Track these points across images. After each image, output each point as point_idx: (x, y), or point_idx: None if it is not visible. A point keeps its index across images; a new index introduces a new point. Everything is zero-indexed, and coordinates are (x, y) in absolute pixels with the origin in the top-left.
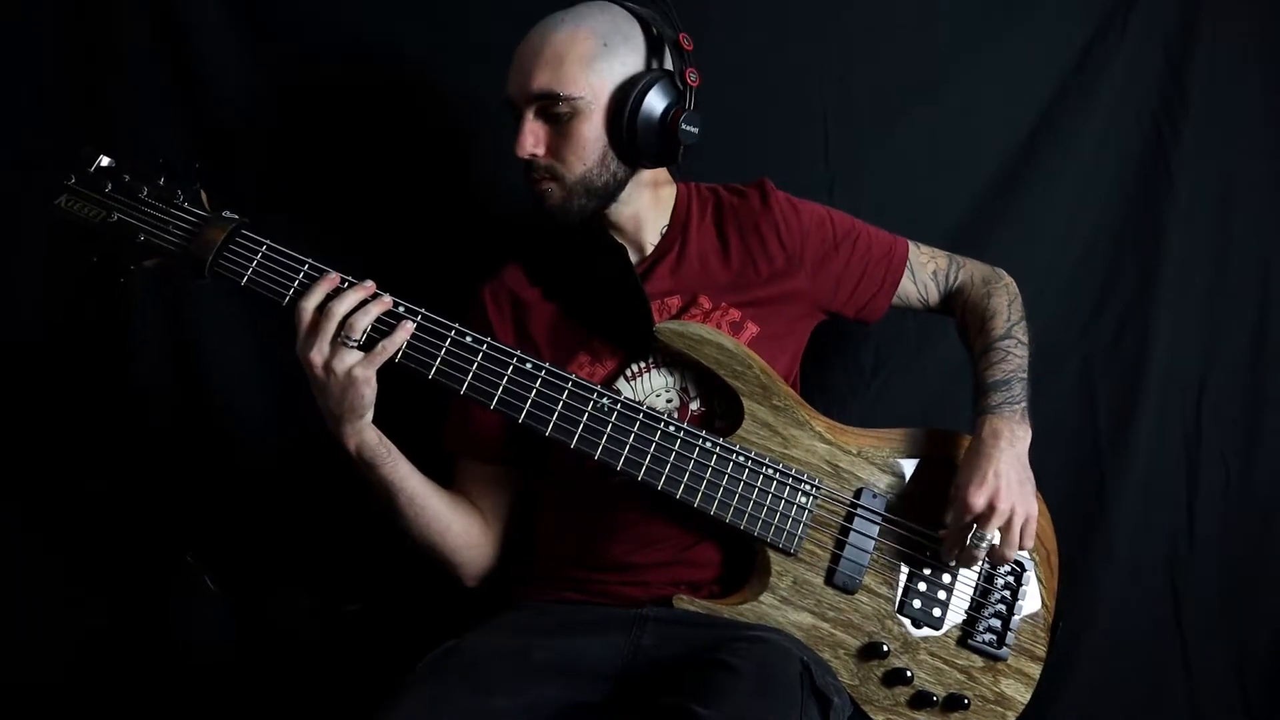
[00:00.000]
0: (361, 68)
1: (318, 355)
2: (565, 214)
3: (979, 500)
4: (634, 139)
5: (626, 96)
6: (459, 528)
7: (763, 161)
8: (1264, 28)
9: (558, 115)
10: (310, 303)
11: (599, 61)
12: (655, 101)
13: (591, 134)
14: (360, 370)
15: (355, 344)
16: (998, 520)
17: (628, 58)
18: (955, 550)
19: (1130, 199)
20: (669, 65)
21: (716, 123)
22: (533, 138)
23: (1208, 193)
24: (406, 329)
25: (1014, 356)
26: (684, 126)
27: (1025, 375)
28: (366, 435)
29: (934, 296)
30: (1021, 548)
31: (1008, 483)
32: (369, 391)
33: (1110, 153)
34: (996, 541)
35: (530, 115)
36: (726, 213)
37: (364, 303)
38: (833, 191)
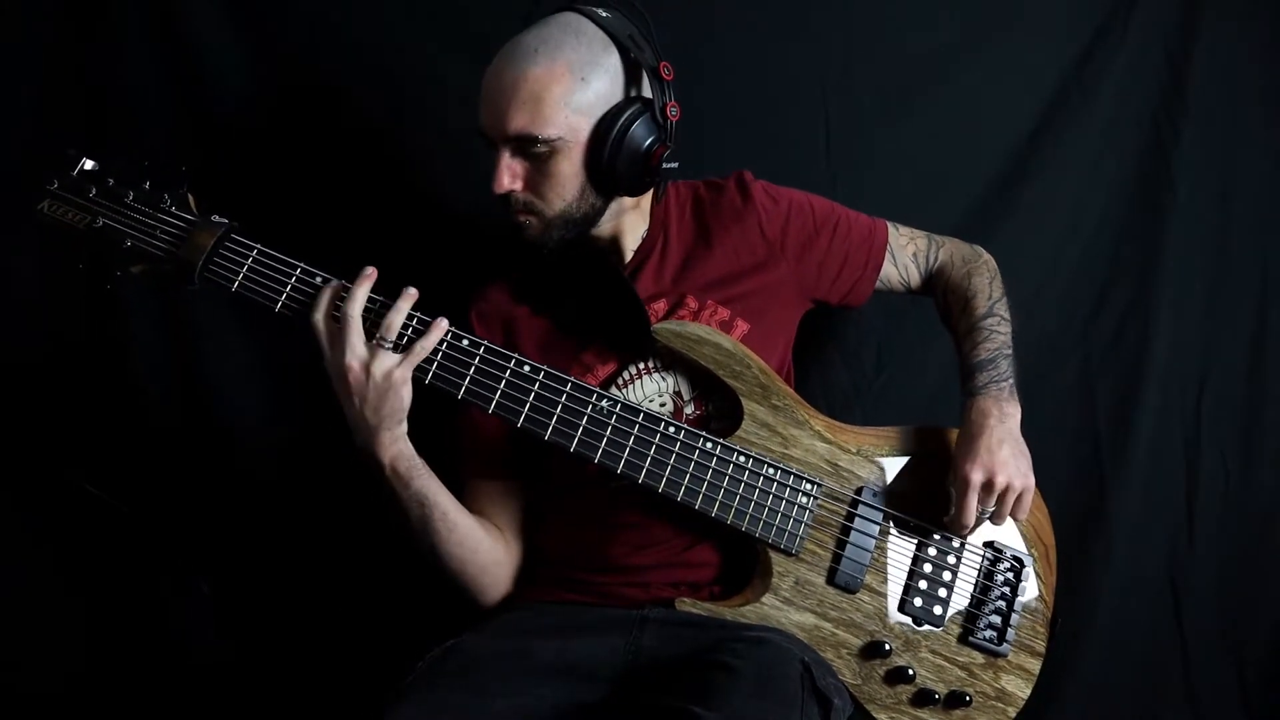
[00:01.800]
0: (354, 71)
1: (355, 360)
2: (544, 245)
3: (976, 476)
4: (614, 175)
5: (607, 134)
6: (487, 545)
7: (764, 160)
8: (1264, 28)
9: (536, 154)
10: (319, 313)
11: (576, 97)
12: (636, 138)
13: (570, 170)
14: (400, 371)
15: (390, 345)
16: (993, 495)
17: (605, 90)
18: (961, 528)
19: (1130, 199)
20: (646, 91)
21: (717, 121)
22: (509, 174)
23: (1208, 193)
24: (441, 326)
25: (997, 334)
26: (665, 165)
27: (1010, 352)
28: (403, 446)
29: (915, 279)
30: (1016, 517)
31: (1001, 457)
32: (407, 394)
33: (1110, 153)
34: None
35: (507, 153)
36: (706, 208)
37: (381, 300)
38: (834, 189)
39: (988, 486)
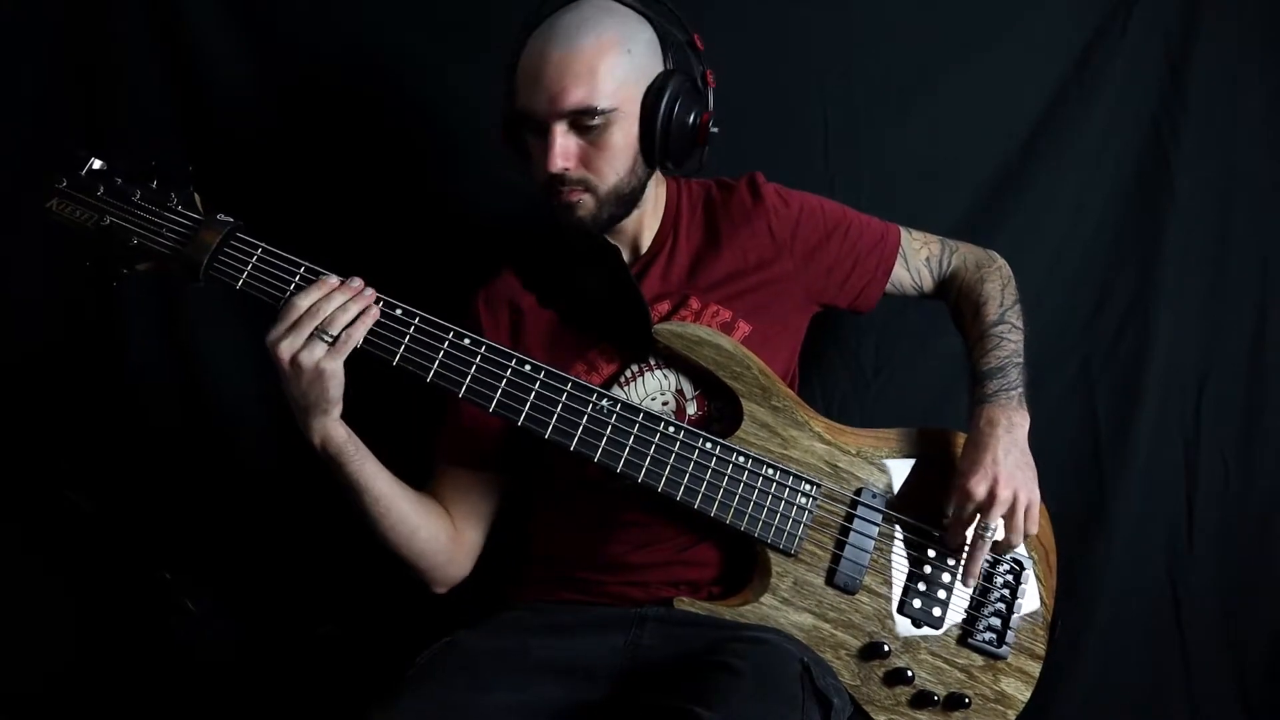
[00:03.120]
0: (357, 70)
1: (287, 349)
2: (595, 224)
3: (980, 489)
4: (666, 144)
5: (658, 102)
6: (426, 532)
7: (763, 160)
8: (1264, 28)
9: (590, 127)
10: (305, 301)
11: (626, 69)
12: (686, 105)
13: (624, 141)
14: (327, 363)
15: (330, 339)
16: (1000, 509)
17: (647, 61)
18: (959, 542)
19: (1130, 199)
20: (673, 63)
21: (717, 121)
22: (564, 152)
23: (1208, 193)
24: (371, 315)
25: (1008, 342)
26: (712, 129)
27: (1021, 360)
28: (333, 431)
29: (928, 283)
30: (1026, 534)
31: (1007, 470)
32: (334, 385)
33: (1110, 153)
34: (1000, 535)
35: (560, 129)
36: (717, 209)
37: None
38: (833, 190)
39: (990, 500)
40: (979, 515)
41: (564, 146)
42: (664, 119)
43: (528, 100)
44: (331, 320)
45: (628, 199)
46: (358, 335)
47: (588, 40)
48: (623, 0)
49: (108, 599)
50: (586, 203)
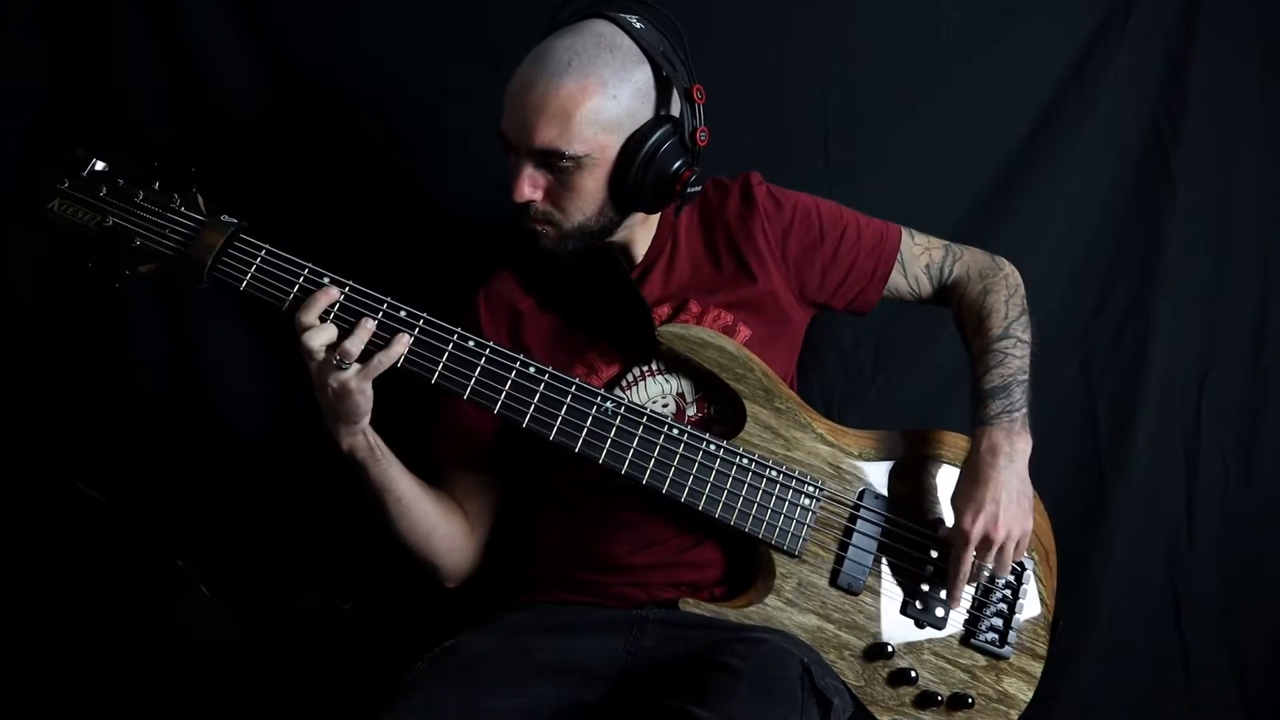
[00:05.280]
0: (359, 70)
1: (315, 368)
2: (558, 255)
3: (976, 530)
4: (638, 194)
5: (634, 154)
6: (444, 530)
7: (763, 160)
8: (1264, 28)
9: (560, 168)
10: (307, 316)
11: (606, 115)
12: (663, 163)
13: (593, 187)
14: (355, 382)
15: (349, 366)
16: (993, 550)
17: (635, 107)
18: (956, 577)
19: (1130, 199)
20: (675, 109)
21: (717, 122)
22: (530, 185)
23: (1208, 193)
24: (403, 342)
25: (1013, 358)
26: (689, 189)
27: (1026, 377)
28: (359, 439)
29: (926, 290)
30: (1016, 560)
31: (1005, 507)
32: (364, 401)
33: (1110, 153)
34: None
35: (530, 164)
36: (713, 212)
37: (353, 325)
38: (832, 191)
39: (986, 544)
40: (975, 555)
41: (531, 178)
42: (638, 173)
43: (505, 122)
44: (345, 350)
45: (595, 234)
46: (390, 359)
47: (571, 80)
48: (630, 33)
49: (115, 590)
50: (550, 234)
